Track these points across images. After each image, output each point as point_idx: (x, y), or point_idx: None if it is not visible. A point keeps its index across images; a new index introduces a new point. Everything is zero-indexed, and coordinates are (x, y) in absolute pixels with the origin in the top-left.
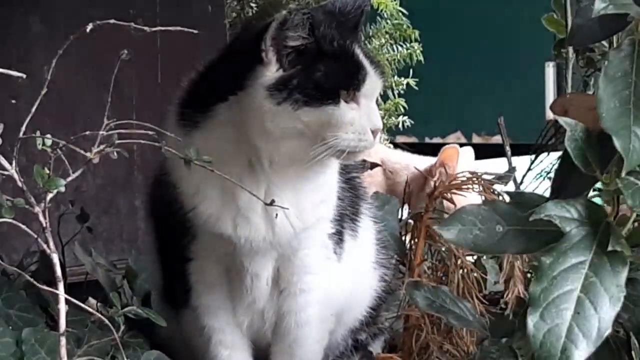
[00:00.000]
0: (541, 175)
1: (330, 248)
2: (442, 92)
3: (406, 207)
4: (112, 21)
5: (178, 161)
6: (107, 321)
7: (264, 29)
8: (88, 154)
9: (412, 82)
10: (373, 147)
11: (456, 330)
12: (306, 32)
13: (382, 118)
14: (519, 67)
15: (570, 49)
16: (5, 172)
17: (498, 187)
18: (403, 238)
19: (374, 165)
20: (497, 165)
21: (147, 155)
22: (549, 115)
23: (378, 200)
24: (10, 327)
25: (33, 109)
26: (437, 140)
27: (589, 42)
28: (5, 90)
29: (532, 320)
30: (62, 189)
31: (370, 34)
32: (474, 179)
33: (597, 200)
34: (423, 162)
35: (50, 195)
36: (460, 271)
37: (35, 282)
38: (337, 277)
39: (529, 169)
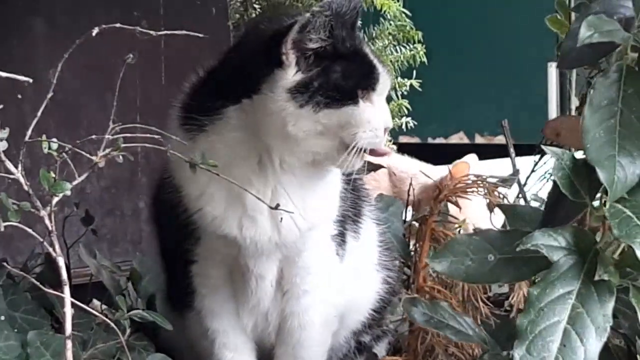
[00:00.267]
0: (545, 177)
1: (333, 249)
2: (445, 93)
3: (410, 209)
4: (118, 25)
5: (182, 164)
6: (113, 324)
7: (284, 31)
8: (94, 158)
9: (415, 83)
10: (382, 144)
11: None
12: (326, 34)
13: None
14: (521, 67)
15: None
16: (11, 176)
17: (502, 190)
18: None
19: (377, 167)
20: (500, 165)
21: (151, 158)
22: (552, 115)
23: (382, 202)
24: (16, 330)
25: (39, 113)
26: (439, 140)
27: (579, 65)
28: (9, 93)
29: (518, 354)
30: (68, 193)
31: (374, 35)
32: (479, 182)
33: None
34: (431, 170)
35: (56, 199)
36: None
37: (41, 286)
38: (340, 278)
39: (533, 171)
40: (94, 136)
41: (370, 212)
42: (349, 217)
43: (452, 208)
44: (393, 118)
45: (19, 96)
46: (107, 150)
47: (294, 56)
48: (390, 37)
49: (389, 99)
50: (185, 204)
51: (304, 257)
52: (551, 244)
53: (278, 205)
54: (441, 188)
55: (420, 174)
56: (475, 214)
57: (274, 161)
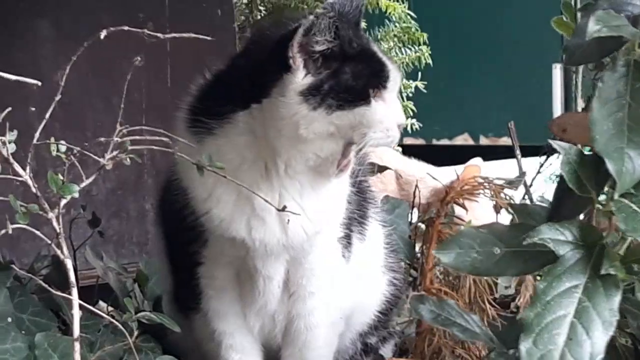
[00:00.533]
0: (550, 178)
1: (339, 252)
2: (450, 95)
3: (415, 211)
4: (125, 28)
5: (190, 166)
6: (121, 326)
7: (289, 35)
8: (101, 160)
9: (420, 85)
10: (397, 140)
11: None
12: (332, 35)
13: None
14: (526, 69)
15: None
16: (20, 178)
17: (509, 192)
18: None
19: (383, 169)
20: (505, 167)
21: (157, 160)
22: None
23: (388, 204)
24: (23, 332)
25: (47, 115)
26: (444, 142)
27: (586, 62)
28: (15, 96)
29: (524, 347)
30: (76, 195)
31: (379, 37)
32: (485, 184)
33: None
34: (439, 173)
35: (64, 201)
36: (472, 276)
37: (49, 288)
38: (346, 280)
39: (538, 172)
40: (102, 139)
41: (376, 214)
42: (355, 219)
43: (459, 210)
44: None
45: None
46: (115, 153)
47: (301, 59)
48: (395, 39)
49: None
50: (192, 206)
51: (311, 259)
52: (558, 237)
53: (285, 207)
54: (449, 190)
55: (428, 177)
56: (482, 216)
57: (279, 167)
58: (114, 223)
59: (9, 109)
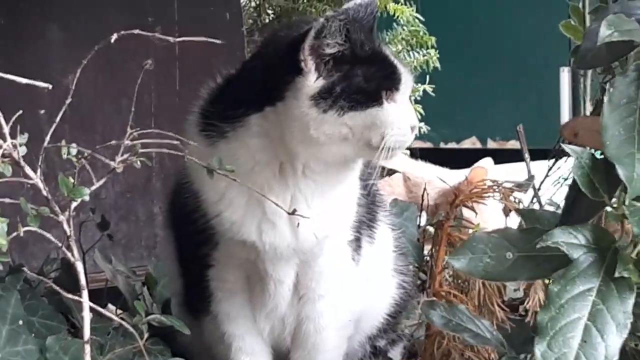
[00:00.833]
0: (559, 182)
1: (349, 255)
2: (458, 98)
3: (424, 214)
4: (136, 31)
5: (201, 169)
6: (131, 329)
7: (300, 38)
8: (112, 163)
9: (428, 88)
10: (410, 142)
11: None
12: (343, 38)
13: None
14: (534, 73)
15: None
16: (30, 181)
17: (518, 195)
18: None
19: (392, 172)
20: (513, 170)
21: (166, 163)
22: (564, 120)
23: (397, 207)
24: (33, 335)
25: (57, 118)
26: (452, 145)
27: (596, 66)
28: (25, 99)
29: (539, 350)
30: (87, 198)
31: (387, 40)
32: (495, 187)
33: None
34: (447, 175)
35: (74, 204)
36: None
37: (60, 290)
38: (355, 283)
39: (547, 175)
40: (112, 142)
41: (385, 217)
42: (365, 223)
43: (468, 213)
44: None
45: (35, 102)
46: (125, 156)
47: (313, 62)
48: (404, 43)
49: None
50: (203, 208)
51: (320, 262)
52: (571, 241)
53: (295, 210)
54: (457, 193)
55: (436, 179)
56: (490, 219)
57: (297, 167)
58: (122, 226)
59: (20, 112)
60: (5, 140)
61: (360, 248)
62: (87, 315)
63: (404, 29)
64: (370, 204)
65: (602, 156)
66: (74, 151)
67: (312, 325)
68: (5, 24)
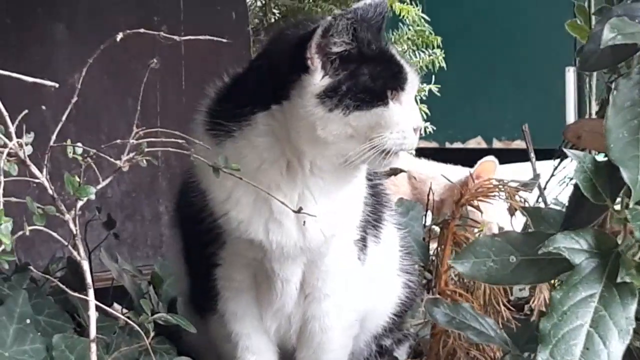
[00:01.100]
0: (564, 182)
1: (355, 254)
2: (463, 98)
3: (429, 213)
4: (142, 30)
5: (209, 168)
6: (137, 327)
7: (307, 36)
8: (118, 162)
9: (434, 88)
10: (415, 145)
11: None
12: (350, 37)
13: None
14: (539, 72)
15: None
16: (36, 180)
17: (523, 194)
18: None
19: (397, 171)
20: (519, 170)
21: (172, 162)
22: (569, 120)
23: (402, 206)
24: (39, 333)
25: (64, 117)
26: (457, 145)
27: (600, 68)
28: (31, 98)
29: (542, 358)
30: (93, 197)
31: (393, 40)
32: (500, 186)
33: None
34: (451, 171)
35: (80, 203)
36: None
37: (66, 289)
38: (361, 282)
39: (552, 175)
40: (118, 141)
41: (391, 217)
42: (370, 222)
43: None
44: None
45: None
46: (131, 155)
47: (319, 61)
48: (409, 42)
49: None
50: (211, 207)
51: (327, 261)
52: (573, 246)
53: (301, 208)
54: (463, 192)
55: (441, 176)
56: (494, 216)
57: (305, 166)
58: (128, 225)
59: (26, 111)
60: (11, 140)
61: (366, 247)
62: (93, 314)
63: (409, 29)
64: (376, 203)
65: (604, 159)
66: (79, 150)
67: (318, 324)
68: (11, 23)
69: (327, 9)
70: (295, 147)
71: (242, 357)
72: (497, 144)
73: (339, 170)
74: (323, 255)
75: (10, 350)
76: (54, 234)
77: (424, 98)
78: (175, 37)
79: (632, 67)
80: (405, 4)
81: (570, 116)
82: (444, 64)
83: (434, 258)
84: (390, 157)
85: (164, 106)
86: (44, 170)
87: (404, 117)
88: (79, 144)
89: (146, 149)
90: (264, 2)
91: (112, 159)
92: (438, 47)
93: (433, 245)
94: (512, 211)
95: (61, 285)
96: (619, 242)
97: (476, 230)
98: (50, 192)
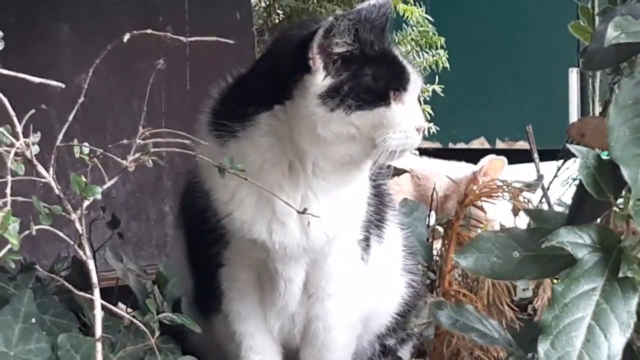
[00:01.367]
0: (567, 182)
1: (358, 254)
2: (467, 99)
3: (433, 214)
4: (149, 31)
5: (212, 168)
6: (143, 327)
7: (309, 37)
8: (124, 162)
9: (437, 88)
10: (418, 145)
11: None
12: (351, 38)
13: None
14: (542, 73)
15: None
16: (43, 180)
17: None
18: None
19: (401, 172)
20: (522, 170)
21: (176, 162)
22: (573, 120)
23: (406, 207)
24: (45, 332)
25: (70, 117)
26: (461, 145)
27: (604, 67)
28: (36, 98)
29: (542, 348)
30: (99, 197)
31: (396, 41)
32: (504, 186)
33: None
34: (453, 168)
35: (86, 203)
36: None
37: (71, 288)
38: (364, 282)
39: (556, 176)
40: (125, 141)
41: (394, 217)
42: (373, 222)
43: (475, 211)
44: None
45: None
46: (137, 155)
47: (321, 61)
48: (413, 43)
49: None
50: (214, 208)
51: (330, 261)
52: (576, 241)
53: (305, 209)
54: (467, 193)
55: (444, 170)
56: (499, 216)
57: (307, 166)
58: (133, 225)
59: (33, 111)
60: (17, 139)
61: (369, 247)
62: (98, 313)
63: (413, 30)
64: (379, 203)
65: (608, 157)
66: (86, 150)
67: (322, 323)
68: (17, 23)
69: (331, 10)
70: (298, 148)
71: (246, 357)
72: (500, 145)
73: (342, 170)
74: (326, 255)
75: (15, 350)
76: (60, 234)
77: (428, 98)
78: (182, 38)
79: (635, 66)
80: (409, 4)
81: (574, 117)
82: (447, 65)
83: (437, 258)
84: (394, 156)
85: (168, 106)
86: (51, 169)
87: (407, 117)
88: (86, 144)
89: (154, 150)
90: (268, 2)
91: (118, 159)
92: (441, 47)
93: (437, 246)
94: (515, 212)
95: (67, 284)
96: (622, 238)
97: (479, 230)
98: (57, 191)
